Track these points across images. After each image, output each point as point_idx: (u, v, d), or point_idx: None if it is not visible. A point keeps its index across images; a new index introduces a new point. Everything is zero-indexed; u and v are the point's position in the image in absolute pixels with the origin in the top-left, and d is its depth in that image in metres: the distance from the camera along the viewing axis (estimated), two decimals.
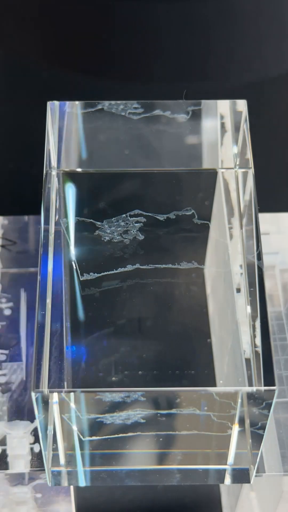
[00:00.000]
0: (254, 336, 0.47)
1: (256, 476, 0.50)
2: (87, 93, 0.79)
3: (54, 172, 0.54)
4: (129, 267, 0.51)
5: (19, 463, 0.52)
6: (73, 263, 0.51)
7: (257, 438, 0.48)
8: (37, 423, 0.47)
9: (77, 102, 0.56)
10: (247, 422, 0.47)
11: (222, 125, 0.56)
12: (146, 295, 0.51)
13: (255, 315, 0.48)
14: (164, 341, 0.50)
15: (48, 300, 0.49)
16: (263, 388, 0.45)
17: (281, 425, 0.53)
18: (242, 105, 0.56)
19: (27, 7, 0.85)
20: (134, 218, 0.53)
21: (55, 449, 0.49)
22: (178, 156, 0.56)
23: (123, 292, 0.50)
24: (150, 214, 0.53)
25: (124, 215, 0.53)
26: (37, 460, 0.52)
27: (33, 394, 0.45)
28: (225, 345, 0.50)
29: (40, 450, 0.51)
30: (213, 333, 0.50)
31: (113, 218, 0.53)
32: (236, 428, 0.48)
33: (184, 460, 0.50)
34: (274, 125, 0.80)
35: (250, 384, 0.46)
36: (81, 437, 0.48)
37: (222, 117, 0.56)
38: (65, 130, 0.56)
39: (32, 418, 0.53)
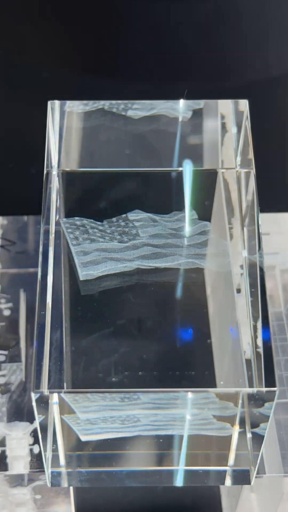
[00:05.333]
0: (255, 337, 0.47)
1: (256, 477, 0.50)
2: (87, 92, 0.79)
3: (54, 172, 0.54)
4: (129, 267, 0.51)
5: (19, 464, 0.51)
6: (73, 263, 0.51)
7: (258, 439, 0.48)
8: (36, 424, 0.47)
9: (77, 102, 0.56)
10: (248, 423, 0.47)
11: (223, 125, 0.56)
12: (146, 295, 0.50)
13: (255, 315, 0.48)
14: (164, 341, 0.49)
15: (48, 300, 0.48)
16: (264, 389, 0.45)
17: (282, 426, 0.53)
18: (243, 105, 0.55)
19: (27, 7, 0.85)
20: (134, 217, 0.53)
21: (55, 450, 0.49)
22: (178, 156, 0.56)
23: (123, 292, 0.50)
24: (150, 214, 0.53)
25: (124, 215, 0.53)
26: (36, 461, 0.51)
27: (33, 394, 0.45)
28: (226, 346, 0.49)
29: (40, 451, 0.51)
30: (213, 334, 0.50)
31: (113, 218, 0.53)
32: (236, 429, 0.48)
33: (185, 461, 0.50)
34: (274, 125, 0.80)
35: (251, 385, 0.46)
36: (81, 438, 0.48)
37: (223, 117, 0.56)
38: (66, 130, 0.56)
39: (31, 419, 0.53)
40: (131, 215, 0.53)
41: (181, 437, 0.49)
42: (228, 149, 0.56)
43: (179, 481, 0.50)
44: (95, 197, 0.54)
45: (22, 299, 0.57)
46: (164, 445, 0.49)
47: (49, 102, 0.55)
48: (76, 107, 0.56)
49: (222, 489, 0.62)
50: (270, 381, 0.45)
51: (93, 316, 0.50)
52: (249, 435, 0.48)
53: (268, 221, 0.61)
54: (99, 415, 0.47)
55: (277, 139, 0.79)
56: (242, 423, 0.48)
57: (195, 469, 0.50)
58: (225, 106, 0.56)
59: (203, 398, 0.46)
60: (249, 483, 0.50)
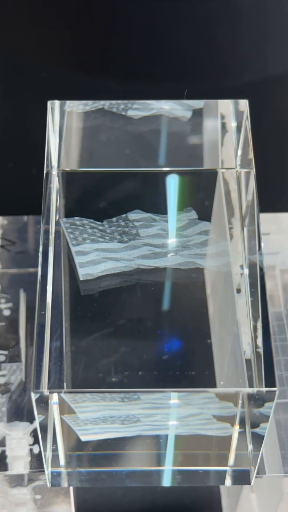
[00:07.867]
0: (255, 337, 0.47)
1: (256, 477, 0.50)
2: (87, 92, 0.79)
3: (54, 172, 0.54)
4: (129, 267, 0.51)
5: (19, 464, 0.51)
6: (73, 263, 0.51)
7: (258, 439, 0.48)
8: (36, 424, 0.47)
9: (77, 102, 0.56)
10: (248, 423, 0.47)
11: (223, 125, 0.56)
12: (146, 295, 0.50)
13: (256, 315, 0.48)
14: (164, 341, 0.49)
15: (48, 300, 0.48)
16: (264, 389, 0.45)
17: (282, 426, 0.53)
18: (243, 105, 0.55)
19: (27, 7, 0.85)
20: (134, 217, 0.53)
21: (55, 450, 0.49)
22: (178, 156, 0.56)
23: (123, 292, 0.50)
24: (150, 214, 0.53)
25: (124, 215, 0.53)
26: (36, 461, 0.51)
27: (32, 394, 0.45)
28: (226, 346, 0.49)
29: (40, 451, 0.51)
30: (213, 334, 0.50)
31: (113, 218, 0.53)
32: (236, 429, 0.48)
33: (185, 461, 0.50)
34: (274, 125, 0.80)
35: (251, 385, 0.46)
36: (81, 438, 0.48)
37: (223, 117, 0.56)
38: (65, 130, 0.56)
39: (31, 419, 0.52)
40: (131, 215, 0.53)
41: (181, 437, 0.49)
42: (228, 149, 0.56)
43: (178, 481, 0.50)
44: (95, 197, 0.54)
45: (22, 299, 0.57)
46: (164, 445, 0.49)
47: (49, 102, 0.55)
48: (76, 107, 0.56)
49: (222, 489, 0.62)
50: (270, 381, 0.45)
51: (93, 316, 0.50)
52: (249, 435, 0.48)
53: (268, 221, 0.61)
54: (99, 415, 0.47)
55: (277, 139, 0.79)
56: (242, 423, 0.48)
57: (195, 469, 0.50)
58: (225, 106, 0.56)
59: (203, 398, 0.46)
60: (249, 483, 0.50)
